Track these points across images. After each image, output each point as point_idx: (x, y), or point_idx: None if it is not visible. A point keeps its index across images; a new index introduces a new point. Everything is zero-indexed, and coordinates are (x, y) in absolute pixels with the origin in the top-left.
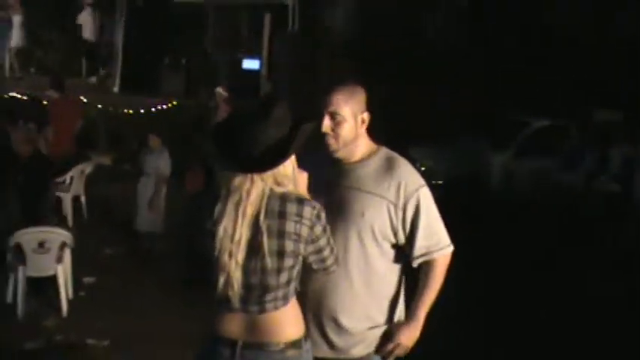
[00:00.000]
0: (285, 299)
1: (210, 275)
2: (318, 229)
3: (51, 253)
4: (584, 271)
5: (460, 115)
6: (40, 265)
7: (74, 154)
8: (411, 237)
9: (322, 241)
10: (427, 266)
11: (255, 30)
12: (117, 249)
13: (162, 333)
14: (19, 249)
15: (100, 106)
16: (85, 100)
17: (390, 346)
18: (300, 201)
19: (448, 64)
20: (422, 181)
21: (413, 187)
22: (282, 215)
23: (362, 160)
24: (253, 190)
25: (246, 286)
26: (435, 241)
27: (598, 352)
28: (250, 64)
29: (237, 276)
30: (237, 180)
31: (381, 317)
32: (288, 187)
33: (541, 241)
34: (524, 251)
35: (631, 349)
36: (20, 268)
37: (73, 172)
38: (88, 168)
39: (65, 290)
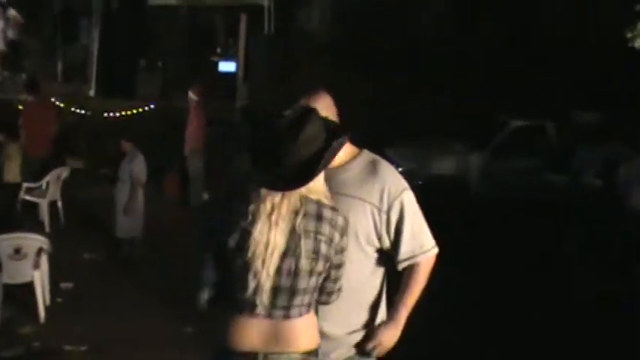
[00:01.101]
0: (309, 307)
1: (234, 283)
2: (345, 242)
3: (27, 259)
4: (575, 270)
5: (438, 115)
6: (16, 272)
7: (50, 159)
8: (395, 241)
9: (344, 257)
10: (411, 269)
11: (231, 32)
12: (95, 254)
13: (142, 337)
14: None
15: (75, 110)
16: (60, 105)
17: (371, 345)
18: (334, 209)
19: (427, 64)
20: (405, 184)
21: (397, 191)
22: (319, 218)
23: (344, 165)
24: (284, 203)
25: (276, 288)
26: (420, 244)
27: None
28: (226, 66)
29: (267, 285)
30: (268, 193)
31: (361, 322)
32: (321, 198)
33: (525, 240)
34: (507, 251)
35: (623, 349)
36: None
37: (50, 177)
38: (64, 172)
39: (42, 296)
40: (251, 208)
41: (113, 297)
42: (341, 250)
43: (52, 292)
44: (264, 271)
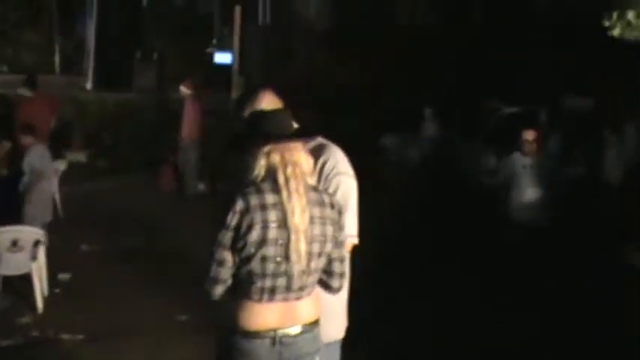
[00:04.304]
0: (314, 284)
1: (250, 275)
2: (344, 219)
3: (25, 252)
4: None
5: (431, 101)
6: (14, 264)
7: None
8: None
9: (344, 234)
10: None
11: (227, 22)
12: (92, 245)
13: (138, 326)
14: None
15: (73, 103)
16: (58, 98)
17: None
18: (328, 193)
19: (420, 50)
20: (347, 170)
21: (335, 173)
22: (321, 204)
23: None
24: (301, 184)
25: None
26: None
27: None
28: (222, 57)
29: (298, 267)
30: (287, 175)
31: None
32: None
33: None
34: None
35: None
36: None
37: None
38: (61, 166)
39: (40, 287)
40: (268, 196)
41: (110, 288)
42: (340, 228)
43: (50, 283)
44: (296, 252)
